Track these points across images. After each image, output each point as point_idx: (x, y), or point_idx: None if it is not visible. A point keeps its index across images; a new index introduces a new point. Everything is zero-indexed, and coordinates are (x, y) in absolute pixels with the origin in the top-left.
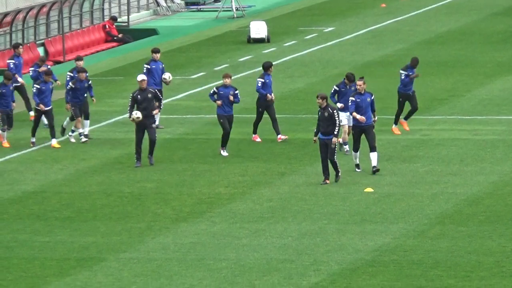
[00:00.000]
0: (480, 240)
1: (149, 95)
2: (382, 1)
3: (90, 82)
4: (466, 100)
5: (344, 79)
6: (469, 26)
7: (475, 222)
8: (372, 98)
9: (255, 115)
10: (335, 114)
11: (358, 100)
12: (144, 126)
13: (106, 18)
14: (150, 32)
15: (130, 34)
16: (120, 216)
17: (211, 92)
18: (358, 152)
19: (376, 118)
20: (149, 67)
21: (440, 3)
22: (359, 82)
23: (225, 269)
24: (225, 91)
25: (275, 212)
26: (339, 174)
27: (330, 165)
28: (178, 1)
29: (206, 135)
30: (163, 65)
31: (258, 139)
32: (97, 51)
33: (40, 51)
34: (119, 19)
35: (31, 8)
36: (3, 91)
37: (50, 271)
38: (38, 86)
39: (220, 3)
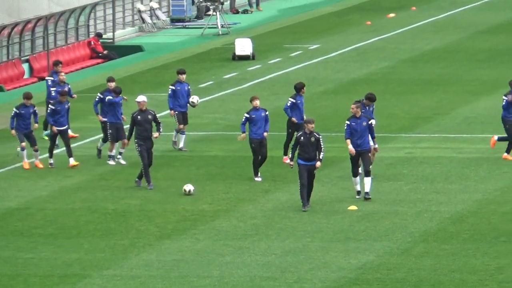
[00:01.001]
0: (464, 258)
1: (149, 117)
2: (367, 19)
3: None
4: (450, 118)
5: (363, 99)
6: (454, 44)
7: (459, 240)
8: (370, 122)
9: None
10: (321, 140)
11: (353, 124)
12: (147, 150)
13: (91, 35)
14: (135, 48)
15: (115, 51)
16: (103, 233)
17: (243, 120)
18: (358, 178)
19: (377, 146)
20: (174, 88)
21: (426, 21)
22: (352, 106)
23: (209, 286)
24: (257, 114)
25: (259, 230)
26: (309, 203)
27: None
28: (163, 18)
29: (190, 152)
30: (189, 87)
31: (288, 161)
32: (82, 68)
33: (25, 67)
34: (104, 36)
35: (16, 24)
36: (22, 112)
37: None
38: (53, 107)
39: (206, 20)
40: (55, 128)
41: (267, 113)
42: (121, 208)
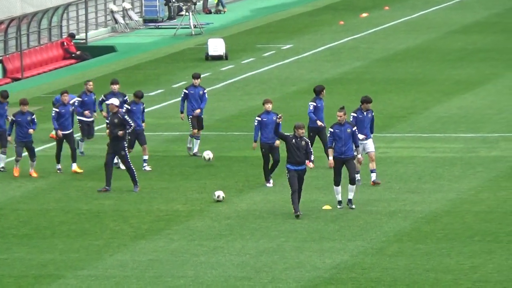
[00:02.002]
0: (438, 258)
1: (116, 120)
2: (340, 19)
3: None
4: (424, 118)
5: (360, 105)
6: (427, 44)
7: (433, 239)
8: (354, 129)
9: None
10: (309, 143)
11: (337, 131)
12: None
13: (64, 35)
14: (108, 49)
15: (88, 51)
16: (78, 233)
17: (256, 125)
18: (340, 187)
19: (360, 157)
20: (187, 91)
21: (398, 21)
22: (339, 113)
23: (183, 286)
24: (268, 118)
25: (233, 230)
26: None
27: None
28: (136, 18)
29: (164, 152)
30: (204, 91)
31: (311, 165)
32: (55, 68)
33: None
34: (77, 36)
35: None
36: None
37: None
38: (57, 110)
39: (178, 20)
40: (60, 133)
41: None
42: (95, 209)
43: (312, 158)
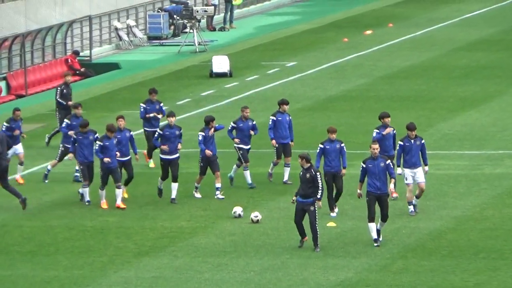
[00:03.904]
0: (443, 274)
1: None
2: (344, 36)
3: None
4: (428, 135)
5: (408, 133)
6: (431, 61)
7: (438, 256)
8: (342, 145)
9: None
10: (318, 176)
11: (327, 147)
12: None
13: (69, 52)
14: (113, 66)
15: (93, 68)
16: (82, 250)
17: (318, 150)
18: (374, 224)
19: (392, 187)
20: (275, 118)
21: (403, 38)
22: (374, 146)
23: None
24: (331, 146)
25: (238, 247)
26: (318, 245)
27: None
28: (140, 35)
29: None
30: (290, 117)
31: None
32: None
33: (2, 85)
34: (81, 53)
35: None
36: (107, 144)
37: None
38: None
39: (183, 37)
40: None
41: (342, 145)
42: (99, 225)
43: (319, 195)
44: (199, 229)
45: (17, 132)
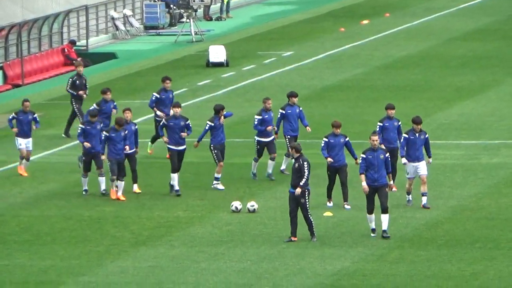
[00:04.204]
0: (439, 264)
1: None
2: (341, 26)
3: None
4: (425, 124)
5: (413, 126)
6: (428, 51)
7: (434, 246)
8: (347, 139)
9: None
10: (305, 165)
11: (331, 141)
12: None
13: (65, 42)
14: (109, 56)
15: (89, 58)
16: (79, 239)
17: (322, 144)
18: (373, 215)
19: (392, 183)
20: (284, 112)
21: (399, 28)
22: (373, 137)
23: None
24: (335, 140)
25: (234, 236)
26: (314, 234)
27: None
28: (137, 25)
29: (165, 159)
30: (300, 109)
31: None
32: (56, 75)
33: None
34: (78, 43)
35: None
36: (113, 135)
37: None
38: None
39: (179, 27)
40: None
41: (347, 139)
42: (96, 215)
43: (301, 183)
44: (195, 219)
45: (15, 130)
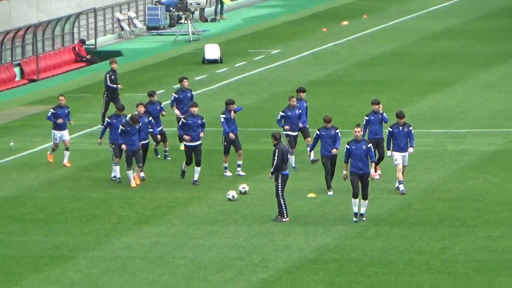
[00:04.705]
0: (411, 240)
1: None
2: (323, 26)
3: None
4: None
5: (397, 121)
6: (401, 49)
7: (407, 224)
8: (337, 131)
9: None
10: (275, 153)
11: (323, 133)
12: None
13: (76, 41)
14: (115, 53)
15: (97, 55)
16: (88, 218)
17: (315, 135)
18: (357, 200)
19: (373, 172)
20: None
21: (376, 28)
22: (356, 129)
23: (183, 266)
24: (326, 133)
25: (227, 215)
26: (283, 215)
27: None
28: (140, 26)
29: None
30: (306, 104)
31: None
32: (68, 71)
33: (17, 70)
34: (87, 42)
35: (8, 32)
36: (128, 129)
37: (25, 267)
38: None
39: (178, 27)
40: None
41: (337, 131)
42: (103, 196)
43: (271, 169)
44: (193, 200)
45: (60, 120)
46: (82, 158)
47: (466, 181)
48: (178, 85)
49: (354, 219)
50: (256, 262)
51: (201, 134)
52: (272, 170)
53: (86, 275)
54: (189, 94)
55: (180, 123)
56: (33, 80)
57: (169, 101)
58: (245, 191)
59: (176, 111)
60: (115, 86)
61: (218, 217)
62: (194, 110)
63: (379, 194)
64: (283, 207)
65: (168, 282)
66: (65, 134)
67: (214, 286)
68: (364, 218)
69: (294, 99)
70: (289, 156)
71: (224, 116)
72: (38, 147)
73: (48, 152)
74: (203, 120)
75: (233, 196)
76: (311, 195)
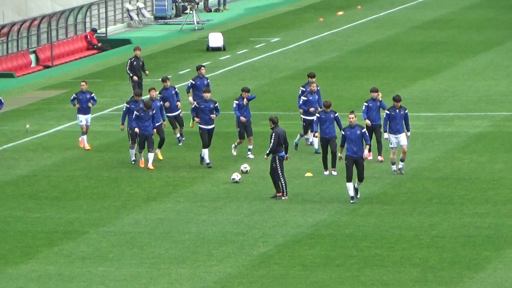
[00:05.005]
0: (402, 217)
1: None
2: (320, 16)
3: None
4: (390, 100)
5: (394, 104)
6: (393, 38)
7: (398, 202)
8: (336, 115)
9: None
10: (272, 136)
11: (322, 116)
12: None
13: (88, 30)
14: (125, 41)
15: (108, 43)
16: (99, 196)
17: (315, 119)
18: (351, 183)
19: (366, 153)
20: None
21: (369, 18)
22: (350, 116)
23: (188, 240)
24: (326, 115)
25: (230, 193)
26: (283, 193)
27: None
28: (148, 15)
29: (170, 128)
30: (318, 88)
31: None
32: (80, 58)
33: (32, 57)
34: (98, 31)
35: (24, 21)
36: (142, 114)
37: (41, 242)
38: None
39: (184, 17)
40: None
41: (337, 114)
42: (113, 175)
43: (267, 151)
44: (197, 179)
45: (77, 106)
46: (94, 139)
47: (453, 161)
48: (185, 70)
49: (352, 202)
50: (257, 237)
51: (213, 116)
52: (267, 152)
53: (97, 249)
54: (205, 81)
55: (193, 106)
56: (47, 66)
57: (186, 87)
58: (246, 170)
59: (190, 99)
60: (131, 75)
61: (221, 195)
62: (207, 95)
63: (372, 174)
64: (284, 186)
65: (174, 255)
66: (88, 119)
67: (217, 259)
68: (358, 196)
69: (315, 85)
70: (300, 137)
71: (237, 102)
72: (52, 129)
73: (80, 138)
74: (216, 104)
75: (237, 175)
76: (308, 174)
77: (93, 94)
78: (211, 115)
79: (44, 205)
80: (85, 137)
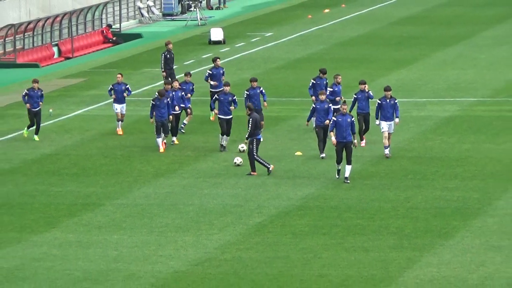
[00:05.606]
0: (381, 191)
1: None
2: (309, 13)
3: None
4: (371, 87)
5: (385, 94)
6: (373, 32)
7: (377, 177)
8: (329, 105)
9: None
10: (249, 121)
11: (339, 120)
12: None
13: (104, 25)
14: (137, 36)
15: (122, 38)
16: (114, 172)
17: (312, 108)
18: (340, 165)
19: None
20: (314, 81)
21: (352, 15)
22: (343, 106)
23: (192, 212)
24: (321, 106)
25: (229, 170)
26: (251, 173)
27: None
28: (157, 13)
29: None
30: (326, 81)
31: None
32: (97, 50)
33: (55, 49)
34: (113, 26)
35: (48, 18)
36: (157, 103)
37: (62, 213)
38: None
39: (188, 14)
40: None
41: (330, 104)
42: (126, 154)
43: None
44: (200, 157)
45: (113, 96)
46: (109, 122)
47: (426, 141)
48: (189, 61)
49: (337, 176)
50: (253, 208)
51: (232, 108)
52: (246, 135)
53: (112, 219)
54: (221, 71)
55: (213, 98)
56: (68, 58)
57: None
58: (243, 150)
59: (212, 82)
60: (163, 69)
61: (221, 172)
62: (226, 88)
63: (354, 152)
64: (261, 162)
65: (180, 225)
66: (124, 109)
67: (217, 228)
68: (349, 181)
69: (340, 77)
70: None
71: (248, 92)
72: (72, 113)
73: (117, 127)
74: (234, 97)
75: (238, 160)
76: (298, 153)
77: (128, 85)
78: (230, 107)
79: (65, 180)
80: (120, 123)
